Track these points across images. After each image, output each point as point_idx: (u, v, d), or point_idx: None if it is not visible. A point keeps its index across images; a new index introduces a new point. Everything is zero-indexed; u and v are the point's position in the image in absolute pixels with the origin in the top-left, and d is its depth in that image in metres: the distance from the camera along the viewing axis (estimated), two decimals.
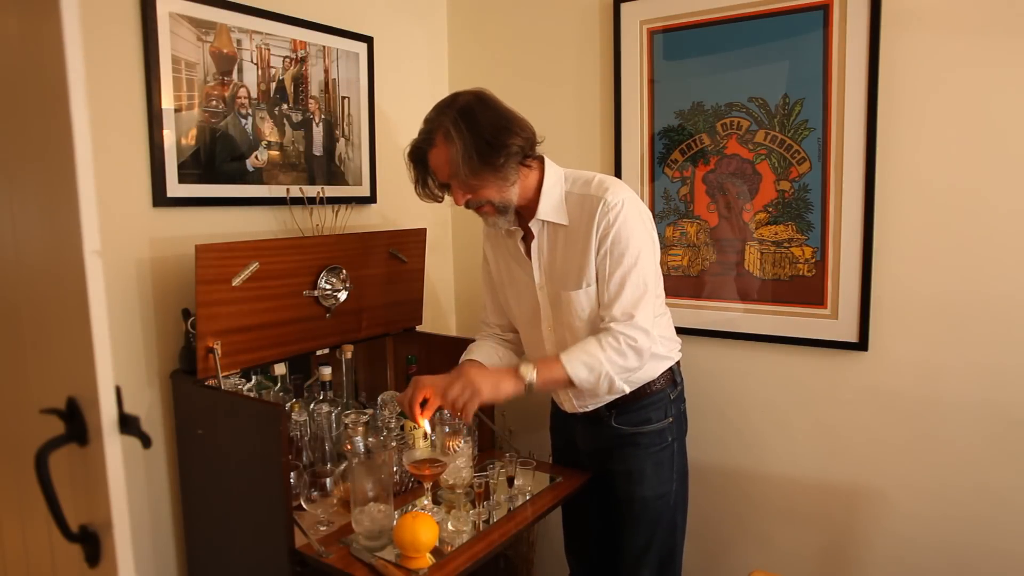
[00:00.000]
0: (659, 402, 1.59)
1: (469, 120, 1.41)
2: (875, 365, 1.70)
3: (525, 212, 1.56)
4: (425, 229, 1.99)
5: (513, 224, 1.55)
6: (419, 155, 1.50)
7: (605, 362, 1.43)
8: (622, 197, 1.47)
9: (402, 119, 2.17)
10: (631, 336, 1.44)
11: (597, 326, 1.52)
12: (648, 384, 1.58)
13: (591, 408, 1.61)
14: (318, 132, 1.90)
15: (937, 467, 1.66)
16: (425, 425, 1.51)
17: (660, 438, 1.60)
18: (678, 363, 1.65)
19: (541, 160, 1.54)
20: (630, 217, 1.47)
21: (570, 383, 1.44)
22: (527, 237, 1.59)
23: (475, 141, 1.41)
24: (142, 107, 1.52)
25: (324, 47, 1.90)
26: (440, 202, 1.59)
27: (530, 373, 1.44)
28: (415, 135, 1.49)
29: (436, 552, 1.36)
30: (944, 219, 1.60)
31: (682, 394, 1.66)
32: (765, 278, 1.82)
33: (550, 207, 1.53)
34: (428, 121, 1.48)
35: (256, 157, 1.75)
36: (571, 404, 1.63)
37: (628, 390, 1.51)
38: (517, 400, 2.19)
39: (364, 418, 1.62)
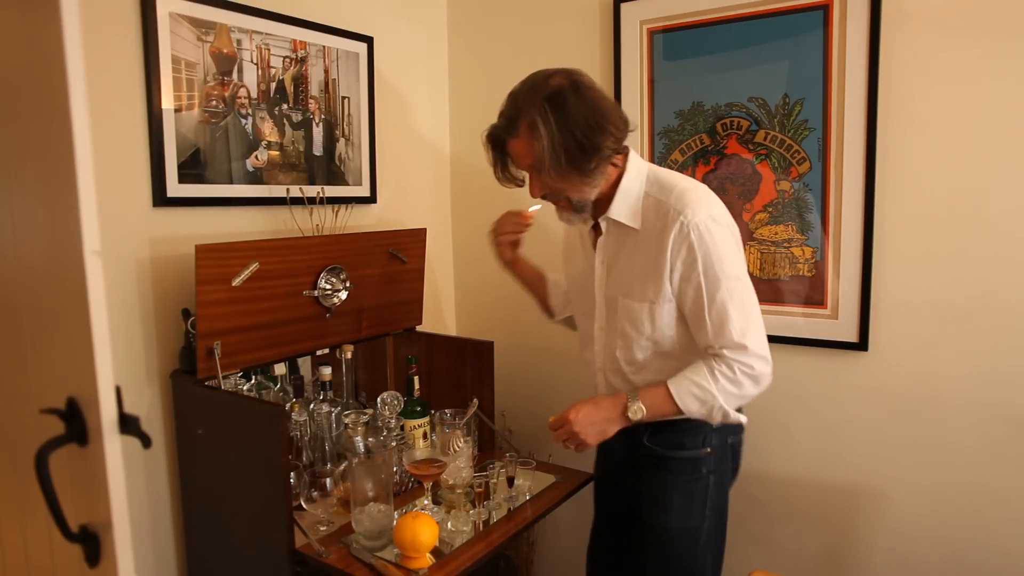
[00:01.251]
0: (695, 428, 1.43)
1: (560, 112, 1.27)
2: (875, 365, 1.70)
3: (598, 204, 1.42)
4: (425, 229, 1.99)
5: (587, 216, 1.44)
6: (498, 140, 1.38)
7: (718, 394, 1.32)
8: (707, 215, 1.32)
9: (402, 119, 2.17)
10: (746, 364, 1.32)
11: (662, 346, 1.42)
12: None
13: None
14: (318, 132, 1.90)
15: (937, 467, 1.66)
16: None
17: (692, 468, 1.44)
18: None
19: (626, 152, 1.41)
20: (718, 236, 1.32)
21: (679, 413, 1.36)
22: (597, 228, 1.48)
23: (564, 139, 1.27)
24: (142, 107, 1.52)
25: (324, 47, 1.90)
26: (521, 187, 1.45)
27: (639, 411, 1.36)
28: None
29: (436, 552, 1.36)
30: (944, 219, 1.59)
31: (732, 427, 1.45)
32: (765, 278, 1.82)
33: (624, 207, 1.40)
34: (513, 103, 1.32)
35: (256, 157, 1.75)
36: None
37: (744, 420, 1.42)
38: (517, 400, 2.19)
39: (364, 418, 1.62)
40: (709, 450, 1.44)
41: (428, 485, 1.52)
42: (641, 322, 1.41)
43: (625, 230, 1.42)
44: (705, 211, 1.33)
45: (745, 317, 1.33)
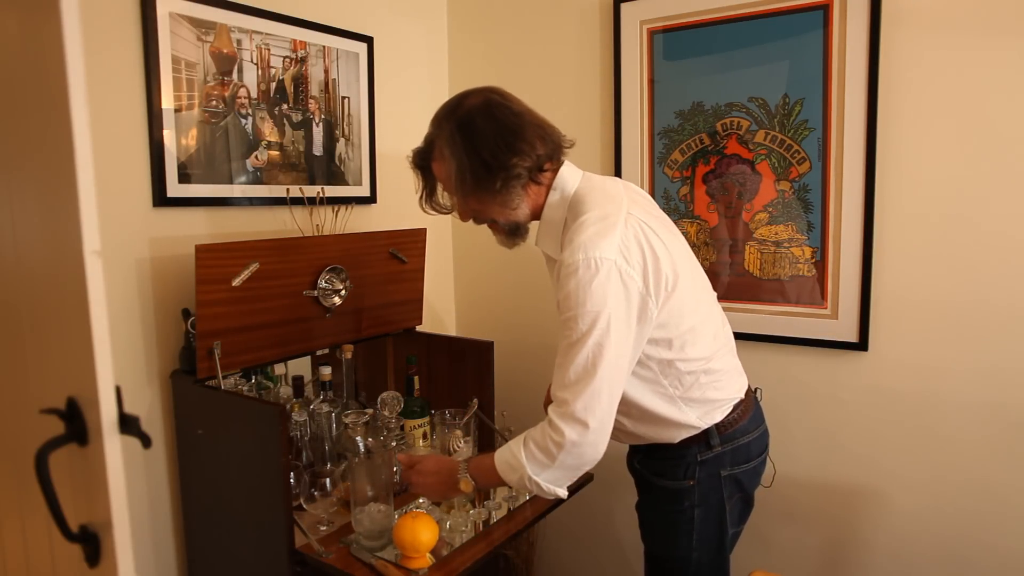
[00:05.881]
0: (676, 459, 1.34)
1: (467, 134, 1.23)
2: (875, 365, 1.70)
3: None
4: (425, 229, 1.99)
5: (524, 238, 1.36)
6: (424, 166, 1.36)
7: (525, 463, 1.18)
8: (584, 256, 1.15)
9: (402, 119, 2.17)
10: (556, 430, 1.15)
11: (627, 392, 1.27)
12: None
13: None
14: (318, 132, 1.90)
15: (936, 466, 1.66)
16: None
17: (674, 498, 1.35)
18: (721, 425, 1.34)
19: (557, 170, 1.31)
20: (585, 281, 1.14)
21: (508, 484, 1.24)
22: None
23: (471, 160, 1.22)
24: (142, 107, 1.52)
25: (324, 47, 1.90)
26: (446, 214, 1.45)
27: (468, 483, 1.28)
28: (418, 136, 1.37)
29: (436, 552, 1.36)
30: (944, 219, 1.60)
31: (721, 458, 1.34)
32: (765, 278, 1.82)
33: (546, 236, 1.31)
34: (431, 126, 1.31)
35: (256, 157, 1.75)
36: None
37: (563, 495, 1.25)
38: (517, 400, 2.19)
39: (364, 418, 1.61)
40: (692, 483, 1.34)
41: None
42: None
43: (554, 261, 1.30)
44: (583, 253, 1.16)
45: (579, 374, 1.14)
